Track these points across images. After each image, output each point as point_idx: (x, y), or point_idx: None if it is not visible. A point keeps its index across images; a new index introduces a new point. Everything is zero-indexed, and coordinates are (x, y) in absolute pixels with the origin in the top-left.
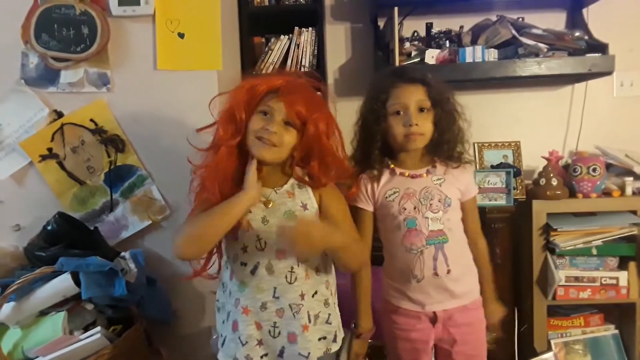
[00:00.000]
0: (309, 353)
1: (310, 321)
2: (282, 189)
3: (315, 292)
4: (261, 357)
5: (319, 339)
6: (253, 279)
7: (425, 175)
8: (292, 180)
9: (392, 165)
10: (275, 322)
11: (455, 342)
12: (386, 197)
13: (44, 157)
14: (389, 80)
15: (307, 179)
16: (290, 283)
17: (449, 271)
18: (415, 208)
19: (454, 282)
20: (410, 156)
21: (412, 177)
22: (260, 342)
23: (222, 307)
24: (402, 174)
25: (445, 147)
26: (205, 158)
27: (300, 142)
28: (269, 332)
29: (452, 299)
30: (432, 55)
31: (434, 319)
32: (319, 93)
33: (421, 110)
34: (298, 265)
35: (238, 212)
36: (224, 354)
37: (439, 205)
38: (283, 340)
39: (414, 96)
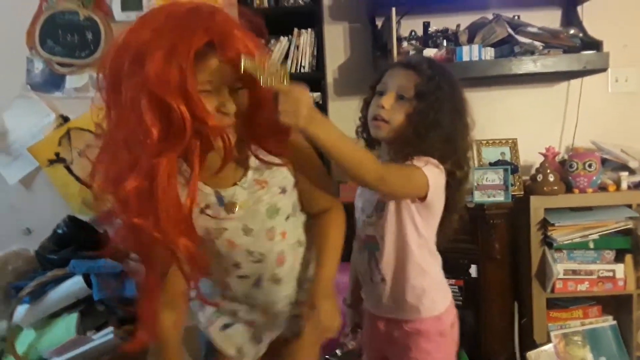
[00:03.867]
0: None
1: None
2: (247, 180)
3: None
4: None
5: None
6: (259, 291)
7: None
8: (252, 163)
9: None
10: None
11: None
12: (357, 191)
13: (52, 162)
14: (388, 65)
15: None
16: (300, 288)
17: (382, 279)
18: (362, 209)
19: (390, 293)
20: (383, 149)
21: None
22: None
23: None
24: None
25: (420, 147)
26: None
27: (251, 102)
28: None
29: (389, 310)
30: (429, 55)
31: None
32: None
33: (400, 97)
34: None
35: None
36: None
37: (371, 209)
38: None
39: (398, 80)
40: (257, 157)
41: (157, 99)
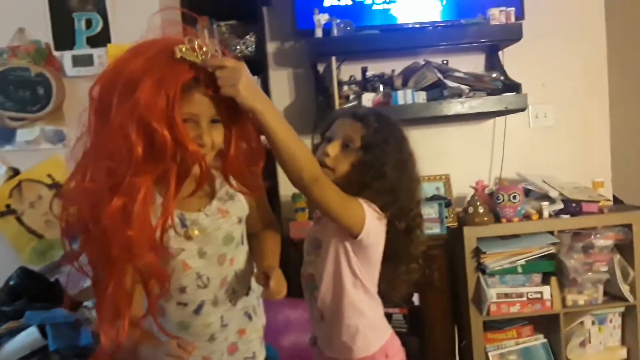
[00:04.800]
0: (254, 352)
1: (247, 322)
2: (211, 208)
3: (250, 289)
4: None
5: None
6: (197, 318)
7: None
8: (219, 192)
9: None
10: (223, 351)
11: None
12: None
13: (2, 214)
14: (339, 113)
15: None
16: (234, 305)
17: (321, 317)
18: (305, 249)
19: (326, 331)
20: None
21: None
22: None
23: None
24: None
25: (362, 194)
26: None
27: (226, 136)
28: None
29: (328, 349)
30: (368, 99)
31: None
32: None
33: (345, 146)
34: (237, 283)
35: None
36: None
37: (310, 248)
38: (226, 358)
39: (345, 129)
40: (230, 184)
41: (144, 123)
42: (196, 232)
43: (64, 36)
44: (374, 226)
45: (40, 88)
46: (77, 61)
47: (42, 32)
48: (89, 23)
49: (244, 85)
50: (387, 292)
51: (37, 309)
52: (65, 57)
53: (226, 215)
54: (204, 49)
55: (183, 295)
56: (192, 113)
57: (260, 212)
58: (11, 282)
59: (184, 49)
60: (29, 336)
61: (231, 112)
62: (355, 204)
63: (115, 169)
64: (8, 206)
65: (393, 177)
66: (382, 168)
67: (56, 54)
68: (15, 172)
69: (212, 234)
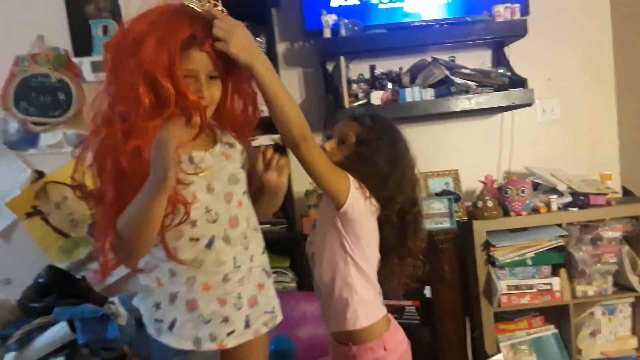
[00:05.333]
0: (273, 307)
1: (265, 278)
2: (215, 150)
3: (264, 249)
4: (227, 334)
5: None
6: (210, 253)
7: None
8: (221, 139)
9: None
10: (239, 293)
11: None
12: None
13: (29, 215)
14: (340, 116)
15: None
16: (246, 249)
17: (319, 294)
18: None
19: (323, 305)
20: None
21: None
22: (225, 320)
23: (150, 290)
24: None
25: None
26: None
27: (223, 91)
28: (234, 305)
29: (327, 324)
30: (377, 97)
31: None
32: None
33: (341, 142)
34: (248, 229)
35: (159, 211)
36: (179, 337)
37: (311, 228)
38: (245, 309)
39: (341, 128)
40: (229, 132)
41: (149, 77)
42: (202, 166)
43: (82, 43)
44: (357, 199)
45: (61, 93)
46: (96, 67)
47: (61, 39)
48: (105, 29)
49: (238, 41)
50: (384, 284)
51: (66, 305)
52: (84, 63)
53: (229, 158)
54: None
55: (194, 229)
56: (190, 69)
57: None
58: (40, 280)
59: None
60: (60, 331)
61: (228, 69)
62: (341, 172)
63: (128, 115)
64: (35, 207)
65: (383, 169)
66: (372, 158)
67: (75, 60)
68: (40, 174)
69: (218, 172)
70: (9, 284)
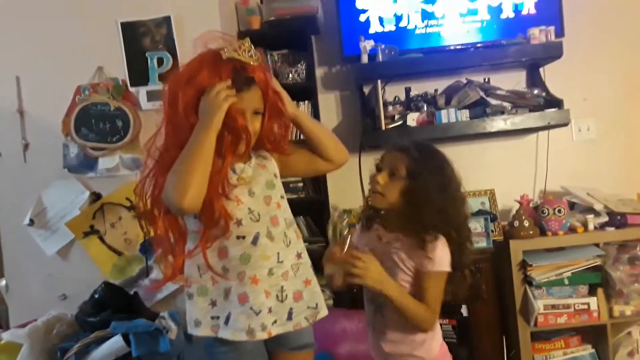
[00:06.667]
0: (316, 303)
1: (312, 275)
2: (252, 162)
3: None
4: (272, 324)
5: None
6: (256, 248)
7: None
8: (255, 154)
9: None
10: (282, 286)
11: None
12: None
13: (86, 234)
14: (388, 148)
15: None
16: (287, 246)
17: (382, 331)
18: None
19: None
20: (385, 218)
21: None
22: (269, 310)
23: (205, 290)
24: (376, 229)
25: (418, 224)
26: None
27: (262, 123)
28: (277, 297)
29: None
30: (412, 119)
31: None
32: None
33: (392, 174)
34: (288, 228)
35: (209, 146)
36: (234, 330)
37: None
38: (290, 302)
39: (392, 160)
40: (264, 146)
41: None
42: (243, 176)
43: (138, 73)
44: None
45: (119, 121)
46: (151, 96)
47: (119, 70)
48: (160, 61)
49: (372, 276)
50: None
51: (120, 319)
52: (141, 93)
53: (264, 168)
54: (247, 50)
55: (240, 227)
56: (239, 108)
57: (299, 152)
58: (96, 296)
59: (229, 52)
60: (115, 344)
61: (267, 106)
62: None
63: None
64: (92, 227)
65: (438, 200)
66: (426, 192)
67: (132, 89)
68: (97, 196)
69: (257, 179)
70: (65, 299)
